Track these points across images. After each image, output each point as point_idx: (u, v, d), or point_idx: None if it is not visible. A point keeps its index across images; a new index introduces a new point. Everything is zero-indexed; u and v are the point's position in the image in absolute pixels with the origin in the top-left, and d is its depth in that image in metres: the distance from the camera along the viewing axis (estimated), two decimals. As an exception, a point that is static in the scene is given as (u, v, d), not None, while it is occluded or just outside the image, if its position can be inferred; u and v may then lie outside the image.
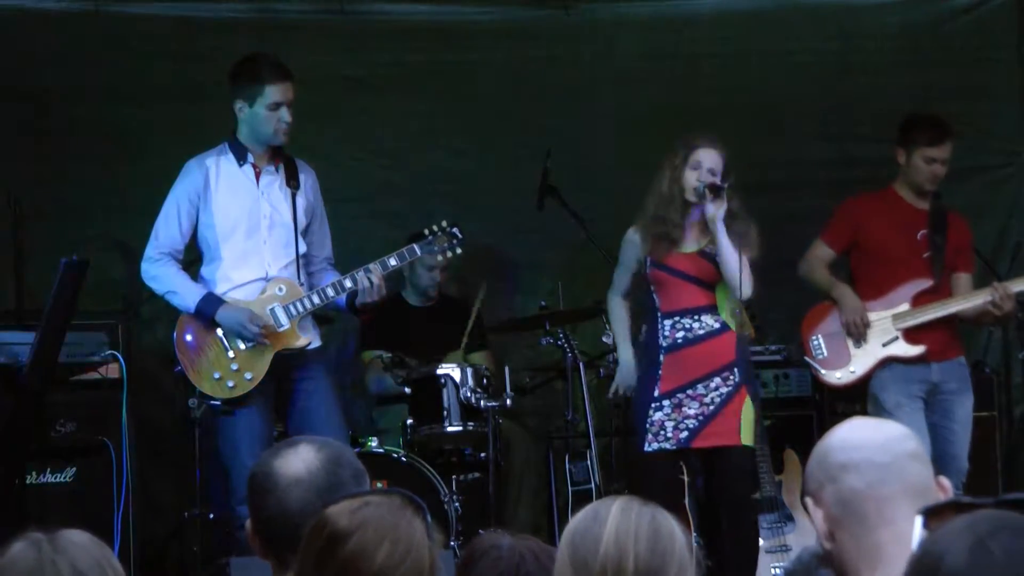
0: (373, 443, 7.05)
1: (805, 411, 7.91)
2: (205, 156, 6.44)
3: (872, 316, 7.07)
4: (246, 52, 6.58)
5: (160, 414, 7.88)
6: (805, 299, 7.86)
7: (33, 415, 6.07)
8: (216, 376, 6.31)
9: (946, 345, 7.08)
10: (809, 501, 2.60)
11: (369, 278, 6.22)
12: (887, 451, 2.55)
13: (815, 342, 7.21)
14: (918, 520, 2.04)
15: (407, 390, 7.26)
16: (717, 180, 6.40)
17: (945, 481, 2.58)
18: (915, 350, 7.02)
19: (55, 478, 6.87)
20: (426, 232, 6.47)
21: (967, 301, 7.04)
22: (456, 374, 7.18)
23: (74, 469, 6.88)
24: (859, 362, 7.12)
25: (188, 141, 8.10)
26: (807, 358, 7.26)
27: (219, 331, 6.31)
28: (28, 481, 6.54)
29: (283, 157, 6.45)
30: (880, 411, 6.94)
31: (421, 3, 8.44)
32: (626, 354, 6.70)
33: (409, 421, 7.20)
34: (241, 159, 6.39)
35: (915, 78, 8.35)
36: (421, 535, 2.53)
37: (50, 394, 6.21)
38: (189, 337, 6.37)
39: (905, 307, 7.05)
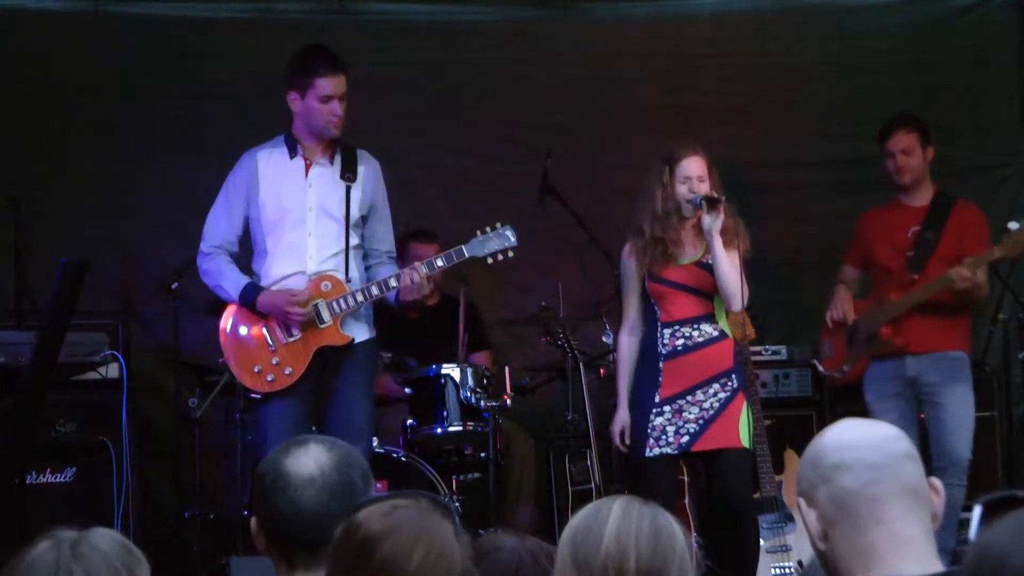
0: (373, 443, 7.04)
1: (805, 411, 7.91)
2: (258, 149, 6.36)
3: (865, 318, 7.09)
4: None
5: (160, 414, 7.89)
6: (805, 300, 7.87)
7: (33, 415, 6.06)
8: (256, 369, 6.24)
9: (925, 338, 7.01)
10: (801, 502, 2.59)
11: (411, 276, 6.19)
12: (880, 451, 2.55)
13: (824, 344, 7.32)
14: (976, 511, 2.01)
15: (407, 390, 7.26)
16: (708, 189, 6.35)
17: (936, 482, 2.58)
18: (889, 344, 7.01)
19: (55, 478, 6.88)
20: (478, 233, 6.35)
21: (924, 291, 6.98)
22: (456, 374, 7.17)
23: (74, 469, 6.90)
24: (851, 360, 7.16)
25: (188, 141, 8.14)
26: (815, 359, 7.37)
27: (262, 325, 6.25)
28: (28, 481, 6.53)
29: (340, 149, 6.35)
30: (868, 410, 7.01)
31: (421, 3, 8.44)
32: (622, 412, 6.48)
33: (409, 421, 7.20)
34: (293, 152, 6.31)
35: (915, 78, 8.36)
36: (452, 538, 2.54)
37: (50, 394, 6.20)
38: (232, 328, 6.31)
39: (888, 303, 7.04)
